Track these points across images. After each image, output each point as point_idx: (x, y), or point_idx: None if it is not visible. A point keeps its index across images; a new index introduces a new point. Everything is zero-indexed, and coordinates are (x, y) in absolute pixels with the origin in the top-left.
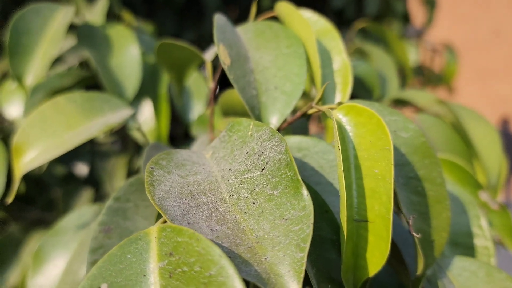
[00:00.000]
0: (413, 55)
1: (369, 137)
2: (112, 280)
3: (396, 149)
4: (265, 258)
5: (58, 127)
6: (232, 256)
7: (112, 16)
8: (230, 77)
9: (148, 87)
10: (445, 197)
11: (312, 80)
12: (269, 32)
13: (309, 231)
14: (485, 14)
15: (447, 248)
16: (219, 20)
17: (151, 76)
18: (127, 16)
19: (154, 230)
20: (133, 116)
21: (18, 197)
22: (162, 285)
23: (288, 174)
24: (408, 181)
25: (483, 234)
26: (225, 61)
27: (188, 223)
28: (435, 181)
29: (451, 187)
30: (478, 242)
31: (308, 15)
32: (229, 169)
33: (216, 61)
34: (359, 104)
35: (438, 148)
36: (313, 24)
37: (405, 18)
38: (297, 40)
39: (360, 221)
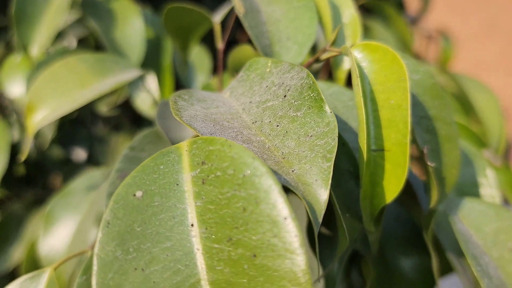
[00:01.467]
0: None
1: (384, 71)
2: (146, 188)
3: None
4: (292, 171)
5: (71, 85)
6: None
7: None
8: (245, 24)
9: (151, 60)
10: (455, 136)
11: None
12: None
13: (334, 143)
14: (480, 6)
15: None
16: None
17: (154, 49)
18: None
19: (184, 144)
20: (140, 80)
21: (18, 178)
22: (195, 191)
23: (312, 95)
24: (420, 120)
25: (488, 183)
26: (240, 10)
27: (211, 134)
28: (446, 120)
29: (466, 144)
30: (484, 191)
31: None
32: (250, 102)
33: (224, 22)
34: (375, 43)
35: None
36: None
37: (400, 5)
38: None
39: (377, 151)
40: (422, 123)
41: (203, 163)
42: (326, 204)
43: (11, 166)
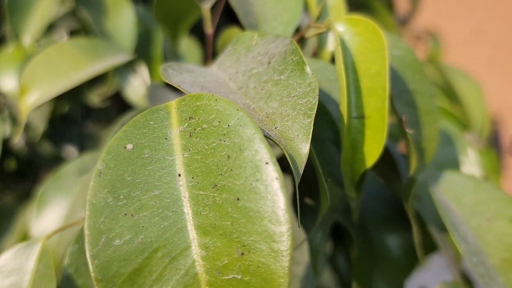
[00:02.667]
0: None
1: (365, 43)
2: (136, 142)
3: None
4: (276, 127)
5: (64, 68)
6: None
7: None
8: (233, 3)
9: (142, 51)
10: (435, 110)
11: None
12: None
13: (315, 101)
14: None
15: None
16: None
17: (145, 41)
18: None
19: (173, 102)
20: (131, 67)
21: (10, 173)
22: (182, 144)
23: (294, 59)
24: (400, 94)
25: (469, 161)
26: None
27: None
28: (425, 94)
29: (440, 124)
30: (465, 168)
31: None
32: (236, 72)
33: (212, 9)
34: (357, 16)
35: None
36: None
37: (389, 6)
38: None
39: (358, 118)
40: (402, 96)
41: (190, 118)
42: (307, 156)
43: (3, 161)
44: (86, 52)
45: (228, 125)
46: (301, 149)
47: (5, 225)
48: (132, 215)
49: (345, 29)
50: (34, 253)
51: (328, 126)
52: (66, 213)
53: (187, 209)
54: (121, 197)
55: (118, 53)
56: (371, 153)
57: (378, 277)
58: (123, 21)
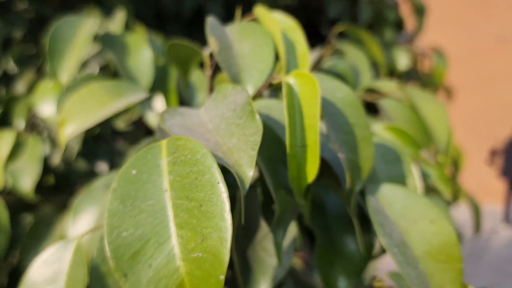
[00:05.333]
0: (403, 59)
1: (307, 92)
2: (139, 169)
3: (333, 104)
4: (233, 157)
5: (92, 106)
6: (214, 155)
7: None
8: (218, 59)
9: (160, 84)
10: (369, 136)
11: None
12: (249, 30)
13: (259, 139)
14: (488, 21)
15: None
16: (211, 21)
17: (162, 75)
18: (140, 28)
19: (164, 142)
20: (149, 101)
21: (49, 187)
22: (168, 170)
23: (249, 109)
24: (341, 126)
25: (412, 175)
26: (215, 49)
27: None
28: (362, 125)
29: (394, 144)
30: (409, 181)
31: (279, 17)
32: (215, 115)
33: (212, 55)
34: (302, 71)
35: (400, 124)
36: (283, 23)
37: (398, 26)
38: (268, 35)
39: (302, 147)
40: (344, 128)
41: (174, 152)
42: (251, 178)
43: (43, 176)
44: (110, 92)
45: (197, 158)
46: (248, 172)
47: (44, 233)
48: (134, 216)
49: (294, 81)
50: (71, 248)
51: (282, 152)
52: (95, 219)
53: (170, 212)
54: (128, 205)
55: (137, 92)
56: (311, 172)
57: (338, 269)
58: (142, 60)
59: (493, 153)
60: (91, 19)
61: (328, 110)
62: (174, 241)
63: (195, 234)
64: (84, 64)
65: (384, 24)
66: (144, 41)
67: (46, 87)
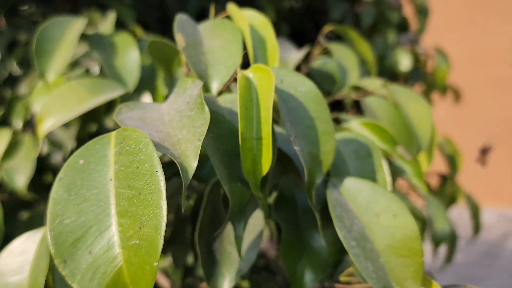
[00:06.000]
0: (405, 60)
1: (263, 85)
2: (86, 158)
3: (295, 98)
4: (180, 148)
5: (71, 101)
6: (161, 145)
7: (126, 29)
8: (185, 55)
9: (147, 83)
10: (331, 130)
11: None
12: (220, 26)
13: (205, 129)
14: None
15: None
16: (181, 18)
17: (149, 73)
18: (138, 30)
19: (113, 133)
20: (139, 94)
21: (47, 185)
22: (115, 160)
23: (199, 100)
24: (302, 120)
25: (382, 170)
26: (181, 45)
27: (134, 127)
28: (323, 119)
29: (366, 140)
30: (379, 176)
31: (251, 13)
32: (173, 108)
33: None
34: (260, 65)
35: (383, 121)
36: (255, 19)
37: (402, 27)
38: (238, 31)
39: (257, 139)
40: (305, 122)
41: (121, 142)
42: (194, 169)
43: (42, 175)
44: (90, 88)
45: (139, 148)
46: (192, 164)
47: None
48: (78, 205)
49: (253, 75)
50: (37, 238)
51: (238, 145)
52: None
53: (113, 201)
54: (73, 193)
55: (116, 89)
56: (266, 164)
57: (305, 263)
58: (129, 59)
59: (484, 152)
60: (80, 19)
61: (290, 104)
62: (115, 229)
63: (133, 222)
64: (76, 64)
65: (387, 25)
66: (131, 41)
67: (37, 88)
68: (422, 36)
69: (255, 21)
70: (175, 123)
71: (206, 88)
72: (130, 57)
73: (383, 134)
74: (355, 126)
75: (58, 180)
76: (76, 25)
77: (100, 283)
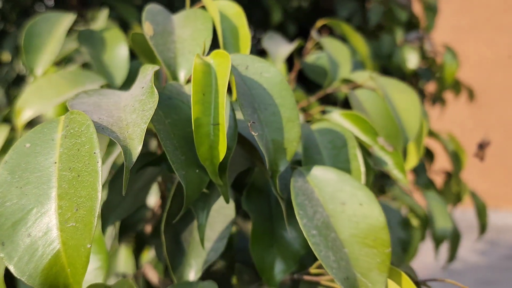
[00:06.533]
0: (413, 58)
1: (222, 70)
2: (33, 142)
3: (260, 85)
4: (127, 132)
5: (49, 94)
6: (107, 129)
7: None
8: (151, 43)
9: (135, 76)
10: (296, 117)
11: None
12: (193, 16)
13: (152, 112)
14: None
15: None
16: (151, 7)
17: (139, 67)
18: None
19: (62, 116)
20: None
21: None
22: (60, 143)
23: (150, 84)
24: (267, 106)
25: (356, 159)
26: (148, 33)
27: (84, 112)
28: (289, 106)
29: (343, 130)
30: (353, 165)
31: (225, 3)
32: (131, 94)
33: None
34: (220, 50)
35: (371, 114)
36: (229, 9)
37: (411, 25)
38: (209, 20)
39: (215, 125)
40: (269, 108)
41: (67, 126)
42: (139, 152)
43: None
44: (69, 81)
45: (81, 130)
46: (137, 147)
47: None
48: (21, 187)
49: (213, 61)
50: None
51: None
52: None
53: (55, 183)
54: (16, 176)
55: (95, 81)
56: (222, 150)
57: (276, 253)
58: (118, 55)
59: (481, 146)
60: (69, 15)
61: (255, 91)
62: (54, 211)
63: (71, 204)
64: (71, 60)
65: (395, 23)
66: (121, 36)
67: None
68: (444, 36)
69: (229, 10)
70: (129, 107)
71: (174, 76)
72: (118, 52)
73: (363, 125)
74: (336, 117)
75: (3, 163)
76: (65, 20)
77: (37, 266)
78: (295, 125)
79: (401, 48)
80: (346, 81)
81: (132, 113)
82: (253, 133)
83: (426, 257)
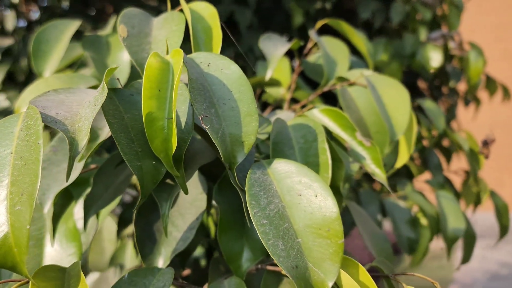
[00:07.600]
0: (436, 56)
1: (177, 67)
2: None
3: (220, 81)
4: (78, 125)
5: None
6: (59, 122)
7: None
8: (124, 44)
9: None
10: (254, 112)
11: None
12: (170, 18)
13: (98, 107)
14: None
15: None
16: (128, 11)
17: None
18: None
19: (24, 111)
20: None
21: None
22: (18, 135)
23: (103, 81)
24: (226, 101)
25: (325, 153)
26: (122, 35)
27: (43, 107)
28: (247, 101)
29: (314, 125)
30: (322, 159)
31: (202, 5)
32: (98, 90)
33: None
34: (177, 49)
35: (363, 110)
36: (204, 10)
37: (436, 24)
38: (182, 21)
39: (169, 119)
40: (227, 103)
41: (24, 120)
42: (85, 143)
43: None
44: (64, 82)
45: (31, 123)
46: (84, 137)
47: None
48: None
49: (172, 59)
50: None
51: None
52: None
53: (9, 172)
54: None
55: (88, 82)
56: (174, 142)
57: (244, 243)
58: (121, 58)
59: (486, 144)
60: (76, 21)
61: (215, 86)
62: (5, 197)
63: (19, 190)
64: (81, 65)
65: (419, 22)
66: None
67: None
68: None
69: (204, 12)
70: (86, 103)
71: None
72: (121, 55)
73: (342, 121)
74: (315, 113)
75: None
76: (73, 27)
77: None
78: (253, 119)
79: (424, 47)
80: (343, 79)
81: (87, 108)
82: (204, 126)
83: (471, 262)
